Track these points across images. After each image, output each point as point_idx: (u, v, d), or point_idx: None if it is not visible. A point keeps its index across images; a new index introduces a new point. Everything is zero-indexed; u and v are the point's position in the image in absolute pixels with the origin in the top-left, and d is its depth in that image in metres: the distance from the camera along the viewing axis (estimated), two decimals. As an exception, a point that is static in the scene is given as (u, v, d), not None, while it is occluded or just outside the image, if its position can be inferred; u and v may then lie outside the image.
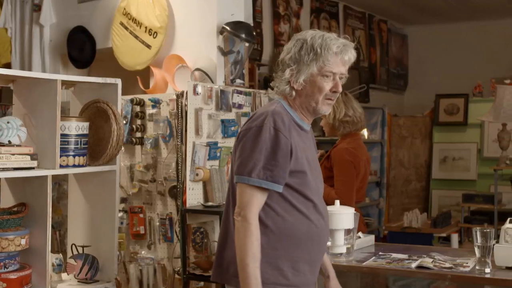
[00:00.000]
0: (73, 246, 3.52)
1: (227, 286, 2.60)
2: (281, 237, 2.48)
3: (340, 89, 2.57)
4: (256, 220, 2.41)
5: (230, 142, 4.77)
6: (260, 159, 2.42)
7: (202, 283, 4.52)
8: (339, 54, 2.53)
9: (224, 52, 4.80)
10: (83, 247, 3.50)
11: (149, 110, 4.73)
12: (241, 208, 2.43)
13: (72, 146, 3.30)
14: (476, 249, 3.01)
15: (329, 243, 3.13)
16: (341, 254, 3.24)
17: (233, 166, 2.54)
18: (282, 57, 2.60)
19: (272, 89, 2.68)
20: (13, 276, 3.12)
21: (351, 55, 2.57)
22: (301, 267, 2.52)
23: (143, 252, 4.76)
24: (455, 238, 5.91)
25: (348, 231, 3.24)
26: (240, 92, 4.82)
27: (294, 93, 2.58)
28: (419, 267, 3.08)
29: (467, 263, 3.13)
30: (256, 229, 2.40)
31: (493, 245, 3.01)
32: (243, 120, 4.82)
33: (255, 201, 2.43)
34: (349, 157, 4.26)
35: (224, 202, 4.48)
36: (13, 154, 3.06)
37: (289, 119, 2.53)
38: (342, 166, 4.27)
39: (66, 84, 3.59)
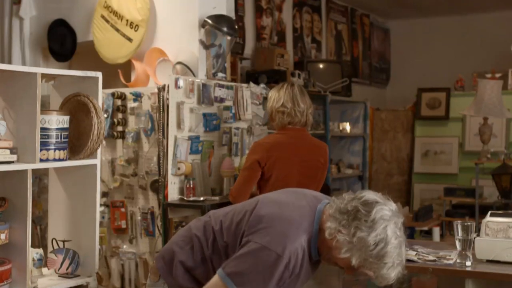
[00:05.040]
0: (54, 241, 3.49)
1: None
2: None
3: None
4: None
5: (212, 136, 4.77)
6: None
7: (184, 278, 4.51)
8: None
9: (206, 46, 4.78)
10: (63, 241, 3.47)
11: (131, 104, 4.71)
12: None
13: (52, 140, 3.27)
14: (457, 242, 3.02)
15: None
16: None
17: None
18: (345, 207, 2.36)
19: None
20: (-8, 271, 3.09)
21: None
22: None
23: (124, 246, 4.75)
24: (436, 231, 5.93)
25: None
26: (222, 86, 4.81)
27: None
28: (403, 260, 3.08)
29: (450, 256, 3.14)
30: None
31: (474, 238, 3.02)
32: (225, 113, 4.81)
33: None
34: (254, 151, 4.08)
35: (206, 197, 4.49)
36: (-8, 148, 3.02)
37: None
38: (246, 158, 4.18)
39: (46, 77, 3.55)
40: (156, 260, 2.66)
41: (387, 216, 2.36)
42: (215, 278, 2.36)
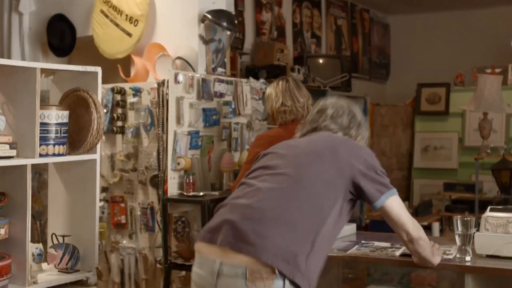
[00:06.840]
0: (54, 236, 3.49)
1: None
2: None
3: None
4: None
5: (212, 131, 4.76)
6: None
7: (183, 272, 4.51)
8: None
9: (205, 41, 4.77)
10: (63, 236, 3.47)
11: (130, 99, 4.71)
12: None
13: (52, 135, 3.26)
14: (456, 237, 3.02)
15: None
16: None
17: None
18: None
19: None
20: (-8, 266, 3.09)
21: None
22: None
23: (124, 241, 4.75)
24: (436, 226, 5.94)
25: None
26: (221, 81, 4.81)
27: None
28: (403, 255, 3.08)
29: (450, 251, 3.14)
30: None
31: (474, 233, 3.02)
32: (225, 108, 4.80)
33: None
34: (256, 144, 4.06)
35: (206, 192, 4.48)
36: (-8, 143, 3.02)
37: None
38: (249, 151, 4.16)
39: (46, 72, 3.55)
40: (272, 261, 2.33)
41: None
42: (385, 207, 2.92)
